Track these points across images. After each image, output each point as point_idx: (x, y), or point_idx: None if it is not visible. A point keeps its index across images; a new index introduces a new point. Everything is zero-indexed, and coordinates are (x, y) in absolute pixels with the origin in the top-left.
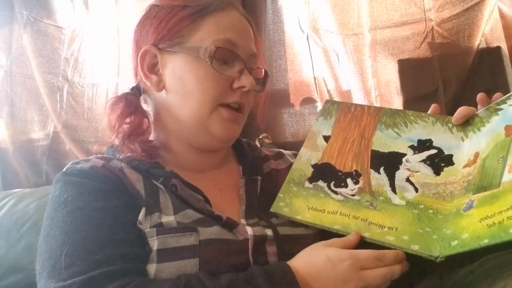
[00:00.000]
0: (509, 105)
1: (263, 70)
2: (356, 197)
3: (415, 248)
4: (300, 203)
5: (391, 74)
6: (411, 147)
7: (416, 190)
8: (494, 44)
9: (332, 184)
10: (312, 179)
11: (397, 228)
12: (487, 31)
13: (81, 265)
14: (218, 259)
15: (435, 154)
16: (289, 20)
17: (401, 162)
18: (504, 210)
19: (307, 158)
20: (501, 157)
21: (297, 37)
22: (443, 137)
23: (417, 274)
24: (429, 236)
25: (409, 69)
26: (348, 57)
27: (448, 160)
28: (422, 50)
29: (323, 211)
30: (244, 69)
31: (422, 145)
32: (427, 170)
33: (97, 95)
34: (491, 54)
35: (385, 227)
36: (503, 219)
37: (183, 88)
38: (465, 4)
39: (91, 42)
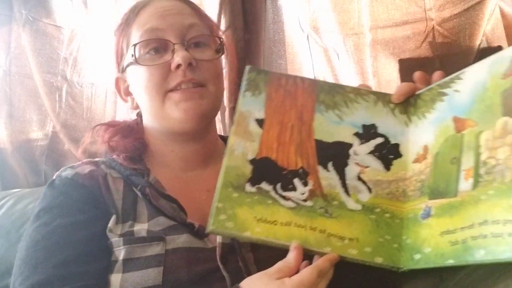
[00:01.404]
0: (455, 91)
1: (210, 35)
2: (309, 203)
3: (378, 261)
4: (246, 214)
5: (391, 73)
6: (357, 135)
7: (370, 190)
8: (495, 43)
9: (278, 186)
10: (254, 180)
11: (358, 238)
12: (488, 30)
13: (29, 284)
14: (184, 268)
15: (382, 143)
16: (289, 19)
17: (348, 155)
18: (467, 227)
19: (242, 151)
20: (453, 158)
21: (297, 37)
22: (386, 121)
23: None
24: (390, 245)
25: (410, 69)
26: (349, 57)
27: (395, 151)
28: (423, 50)
29: (275, 223)
30: (174, 47)
31: (367, 132)
32: (378, 165)
33: (96, 95)
34: (492, 54)
35: (345, 238)
36: (466, 239)
37: (138, 96)
38: (466, 4)
39: (90, 41)
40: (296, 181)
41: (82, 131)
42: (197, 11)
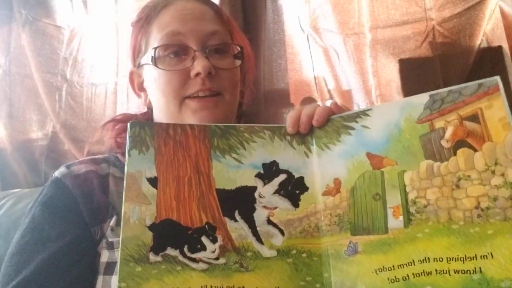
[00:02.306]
0: (363, 126)
1: (234, 45)
2: (222, 260)
3: None
4: None
5: (392, 73)
6: (259, 175)
7: (282, 232)
8: (496, 43)
9: (185, 249)
10: (157, 247)
11: None
12: (488, 30)
13: None
14: None
15: (286, 179)
16: (289, 19)
17: (254, 200)
18: (406, 265)
19: (138, 217)
20: (376, 194)
21: (297, 37)
22: (286, 156)
23: None
24: (313, 286)
25: (410, 69)
26: (349, 57)
27: (301, 185)
28: (423, 50)
29: None
30: (194, 55)
31: (269, 171)
32: (285, 203)
33: (96, 95)
34: (492, 54)
35: None
36: (408, 276)
37: (153, 96)
38: (466, 3)
39: (90, 41)
40: (204, 239)
41: (82, 131)
42: (220, 15)
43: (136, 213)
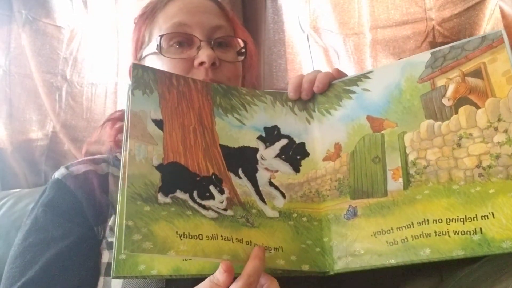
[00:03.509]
0: (364, 89)
1: (238, 39)
2: (229, 212)
3: (305, 268)
4: (165, 231)
5: None
6: (260, 138)
7: (283, 195)
8: None
9: (195, 194)
10: (166, 189)
11: (282, 248)
12: (488, 30)
13: None
14: None
15: (287, 145)
16: (289, 19)
17: (256, 161)
18: (405, 227)
19: (144, 156)
20: (375, 157)
21: (297, 37)
22: (288, 121)
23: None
24: (313, 250)
25: None
26: (349, 57)
27: (302, 151)
28: (423, 50)
29: (200, 237)
30: (200, 44)
31: (270, 135)
32: (286, 168)
33: (96, 95)
34: None
35: (271, 249)
36: (406, 238)
37: None
38: (466, 4)
39: (90, 41)
40: (212, 189)
41: (82, 131)
42: (225, 12)
43: (142, 151)
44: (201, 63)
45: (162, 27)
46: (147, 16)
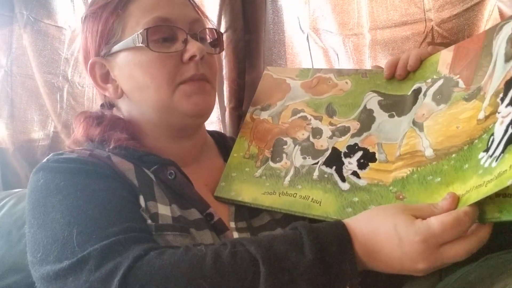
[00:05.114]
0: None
1: (213, 30)
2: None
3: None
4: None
5: None
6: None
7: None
8: None
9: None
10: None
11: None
12: None
13: (97, 238)
14: None
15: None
16: (289, 20)
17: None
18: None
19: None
20: None
21: (297, 37)
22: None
23: None
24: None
25: None
26: (348, 57)
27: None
28: None
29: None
30: (187, 37)
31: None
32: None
33: (97, 95)
34: None
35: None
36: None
37: (137, 84)
38: (465, 4)
39: None
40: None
41: None
42: (197, 7)
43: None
44: (191, 57)
45: (141, 20)
46: (115, 8)
